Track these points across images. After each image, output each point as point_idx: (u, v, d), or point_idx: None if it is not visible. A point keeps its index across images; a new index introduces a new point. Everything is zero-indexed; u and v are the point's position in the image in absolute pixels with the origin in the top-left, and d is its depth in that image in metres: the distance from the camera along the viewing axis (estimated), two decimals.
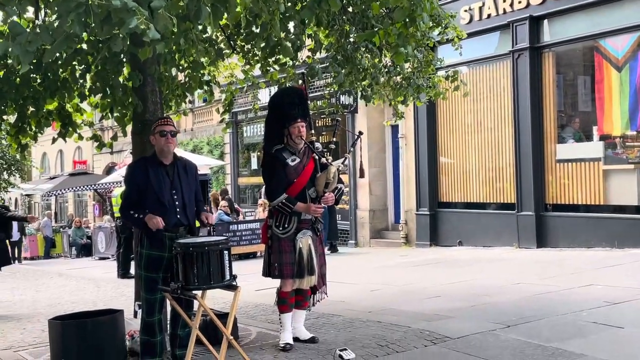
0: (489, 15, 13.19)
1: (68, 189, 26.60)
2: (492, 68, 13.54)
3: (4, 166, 24.09)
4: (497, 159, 13.54)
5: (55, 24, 3.89)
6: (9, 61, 5.76)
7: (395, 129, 15.97)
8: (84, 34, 5.96)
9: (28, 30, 3.95)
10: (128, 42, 4.06)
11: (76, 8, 3.59)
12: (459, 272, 10.16)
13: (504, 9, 12.86)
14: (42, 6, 5.45)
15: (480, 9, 13.32)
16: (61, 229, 26.29)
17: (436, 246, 14.28)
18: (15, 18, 4.25)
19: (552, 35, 12.36)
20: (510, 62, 12.87)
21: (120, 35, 3.79)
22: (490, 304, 7.23)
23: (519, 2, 12.56)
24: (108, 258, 18.89)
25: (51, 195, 29.46)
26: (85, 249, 22.67)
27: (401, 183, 15.63)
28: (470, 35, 13.18)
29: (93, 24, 3.65)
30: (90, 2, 3.53)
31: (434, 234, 14.51)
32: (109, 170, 27.78)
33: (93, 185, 24.47)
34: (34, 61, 6.25)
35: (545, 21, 12.39)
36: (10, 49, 3.72)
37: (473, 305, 7.19)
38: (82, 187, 26.09)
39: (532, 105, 12.46)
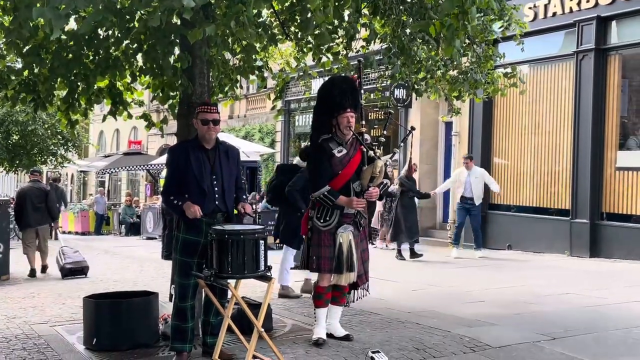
0: (554, 14, 12.74)
1: (122, 168, 27.04)
2: (554, 68, 13.10)
3: (61, 141, 24.58)
4: (554, 163, 13.11)
5: None
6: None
7: (449, 126, 15.64)
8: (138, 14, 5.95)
9: None
10: (167, 19, 3.93)
11: None
12: (506, 277, 9.85)
13: (571, 8, 12.40)
14: None
15: (546, 6, 12.87)
16: (112, 206, 26.74)
17: (485, 248, 13.88)
18: None
19: (620, 37, 11.86)
20: (574, 64, 12.41)
21: (159, 11, 3.68)
22: (537, 313, 6.95)
23: (587, 2, 12.09)
24: (155, 238, 19.08)
25: (105, 173, 30.03)
26: (134, 228, 23.00)
27: (452, 181, 15.27)
28: (533, 33, 12.79)
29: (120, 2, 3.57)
30: None
31: (482, 235, 14.10)
32: (162, 151, 28.12)
33: (146, 166, 24.81)
34: (86, 37, 6.28)
35: (614, 22, 11.90)
36: (43, 14, 3.70)
37: (518, 313, 6.92)
38: (135, 166, 26.48)
39: (594, 109, 12.00)
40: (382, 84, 8.15)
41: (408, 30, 6.53)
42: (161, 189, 16.04)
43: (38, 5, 4.18)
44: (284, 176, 7.81)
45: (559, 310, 7.07)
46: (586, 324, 6.35)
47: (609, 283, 9.09)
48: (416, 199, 13.18)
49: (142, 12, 5.86)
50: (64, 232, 25.56)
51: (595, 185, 11.99)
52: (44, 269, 11.56)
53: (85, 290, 8.32)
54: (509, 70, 8.62)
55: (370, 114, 16.59)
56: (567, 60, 12.71)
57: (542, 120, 13.32)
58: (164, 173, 16.31)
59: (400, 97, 15.66)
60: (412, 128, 5.96)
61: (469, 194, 12.56)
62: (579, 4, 12.24)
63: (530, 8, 13.03)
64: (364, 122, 5.65)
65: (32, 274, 11.30)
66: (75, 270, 11.09)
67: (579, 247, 12.03)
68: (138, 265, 12.78)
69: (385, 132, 5.95)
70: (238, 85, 7.99)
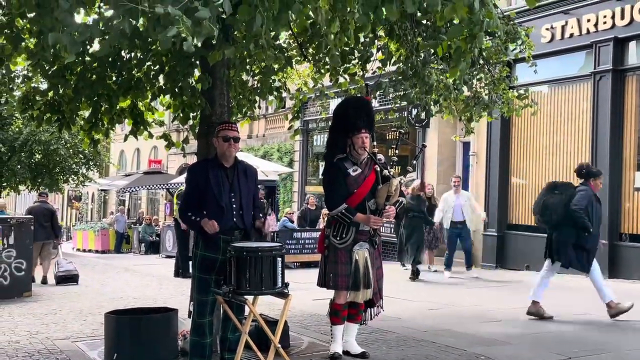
0: (571, 35, 12.79)
1: (142, 187, 27.34)
2: (572, 89, 13.12)
3: (83, 161, 24.92)
4: None
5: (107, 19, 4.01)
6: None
7: (466, 145, 15.67)
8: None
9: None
10: (181, 44, 4.07)
11: (122, 6, 3.70)
12: (523, 298, 9.74)
13: (588, 29, 12.44)
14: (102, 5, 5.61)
15: (563, 28, 12.93)
16: (132, 225, 27.01)
17: (502, 269, 13.89)
18: (77, 17, 4.37)
19: (637, 57, 11.88)
20: (592, 84, 12.44)
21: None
22: (553, 333, 6.95)
23: (604, 23, 12.13)
24: (174, 256, 19.20)
25: (125, 192, 30.32)
26: (154, 246, 23.19)
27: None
28: (550, 54, 12.94)
29: (144, 25, 3.74)
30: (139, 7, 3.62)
31: (500, 256, 14.12)
32: (182, 170, 28.38)
33: (165, 185, 25.06)
34: (110, 59, 6.46)
35: (631, 43, 11.93)
36: (59, 39, 3.87)
37: (534, 333, 6.93)
38: (155, 185, 26.76)
39: (612, 130, 12.00)
40: (397, 105, 8.26)
41: (422, 54, 6.63)
42: (176, 204, 16.04)
43: (57, 30, 4.36)
44: (552, 194, 7.87)
45: (576, 330, 7.07)
46: (603, 344, 6.35)
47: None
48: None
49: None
50: (84, 250, 25.88)
51: (613, 205, 11.95)
52: (44, 279, 12.93)
53: (105, 307, 8.44)
54: (521, 92, 8.65)
55: (387, 134, 16.70)
56: (584, 81, 12.74)
57: (560, 141, 13.32)
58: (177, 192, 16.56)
59: (418, 117, 15.73)
60: (423, 145, 6.06)
61: (459, 217, 12.36)
62: (595, 25, 12.29)
63: (547, 29, 13.10)
64: (375, 143, 5.75)
65: (44, 280, 12.84)
66: (66, 278, 12.77)
67: None
68: (157, 282, 12.91)
69: (397, 152, 6.06)
70: (256, 105, 8.14)
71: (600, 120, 12.20)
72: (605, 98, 12.10)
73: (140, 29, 5.16)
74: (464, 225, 12.45)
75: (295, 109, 8.52)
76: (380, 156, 5.70)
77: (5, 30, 5.75)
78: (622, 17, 11.86)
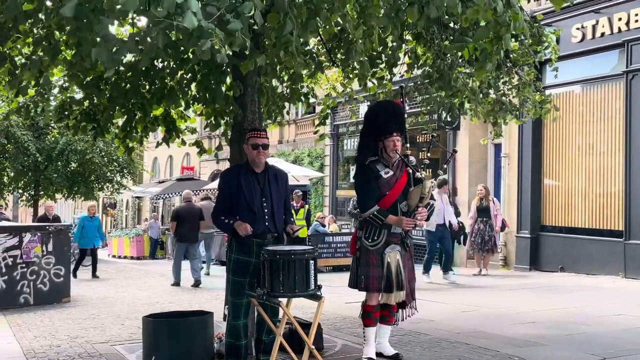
0: (602, 34, 12.66)
1: (175, 193, 27.68)
2: (605, 89, 12.99)
3: (117, 169, 25.33)
4: (606, 184, 12.94)
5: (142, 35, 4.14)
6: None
7: (498, 147, 15.59)
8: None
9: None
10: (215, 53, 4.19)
11: (159, 23, 3.82)
12: (558, 299, 9.77)
13: (619, 28, 12.32)
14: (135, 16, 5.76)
15: (594, 27, 12.81)
16: (166, 231, 27.32)
17: (536, 271, 13.78)
18: (111, 28, 4.50)
19: None
20: (624, 83, 12.30)
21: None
22: (588, 334, 6.90)
23: (636, 21, 12.00)
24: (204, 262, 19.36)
25: (159, 199, 30.70)
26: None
27: (502, 204, 15.19)
28: (582, 54, 12.85)
29: (177, 36, 3.87)
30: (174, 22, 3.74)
31: (534, 258, 14.01)
32: (214, 177, 28.67)
33: (198, 191, 25.33)
34: (143, 69, 6.61)
35: None
36: (100, 55, 4.02)
37: (569, 334, 6.89)
38: None
39: None
40: (427, 108, 8.28)
41: (449, 56, 6.66)
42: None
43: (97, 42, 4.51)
44: None
45: (611, 332, 7.01)
46: (639, 344, 6.29)
47: None
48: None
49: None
50: (119, 257, 26.28)
51: None
52: None
53: (142, 311, 8.61)
54: (543, 97, 8.57)
55: (418, 137, 16.70)
56: (617, 80, 12.61)
57: (593, 141, 13.19)
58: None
59: (448, 119, 15.67)
60: (455, 151, 6.07)
61: (441, 220, 12.09)
62: (627, 23, 12.16)
63: (577, 29, 12.99)
64: (408, 145, 5.80)
65: None
66: None
67: (634, 269, 11.81)
68: (192, 287, 13.07)
69: (429, 155, 6.09)
70: (285, 112, 8.23)
71: (634, 120, 12.05)
72: (638, 97, 11.96)
73: (173, 39, 5.29)
74: (444, 228, 12.27)
75: (322, 114, 8.60)
76: (412, 158, 5.75)
77: (44, 43, 5.92)
78: None
